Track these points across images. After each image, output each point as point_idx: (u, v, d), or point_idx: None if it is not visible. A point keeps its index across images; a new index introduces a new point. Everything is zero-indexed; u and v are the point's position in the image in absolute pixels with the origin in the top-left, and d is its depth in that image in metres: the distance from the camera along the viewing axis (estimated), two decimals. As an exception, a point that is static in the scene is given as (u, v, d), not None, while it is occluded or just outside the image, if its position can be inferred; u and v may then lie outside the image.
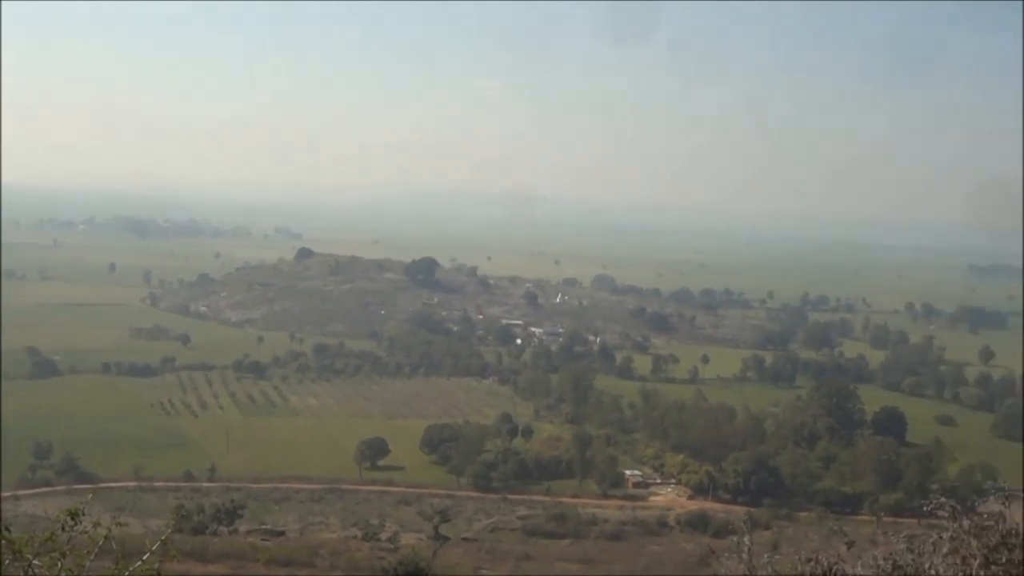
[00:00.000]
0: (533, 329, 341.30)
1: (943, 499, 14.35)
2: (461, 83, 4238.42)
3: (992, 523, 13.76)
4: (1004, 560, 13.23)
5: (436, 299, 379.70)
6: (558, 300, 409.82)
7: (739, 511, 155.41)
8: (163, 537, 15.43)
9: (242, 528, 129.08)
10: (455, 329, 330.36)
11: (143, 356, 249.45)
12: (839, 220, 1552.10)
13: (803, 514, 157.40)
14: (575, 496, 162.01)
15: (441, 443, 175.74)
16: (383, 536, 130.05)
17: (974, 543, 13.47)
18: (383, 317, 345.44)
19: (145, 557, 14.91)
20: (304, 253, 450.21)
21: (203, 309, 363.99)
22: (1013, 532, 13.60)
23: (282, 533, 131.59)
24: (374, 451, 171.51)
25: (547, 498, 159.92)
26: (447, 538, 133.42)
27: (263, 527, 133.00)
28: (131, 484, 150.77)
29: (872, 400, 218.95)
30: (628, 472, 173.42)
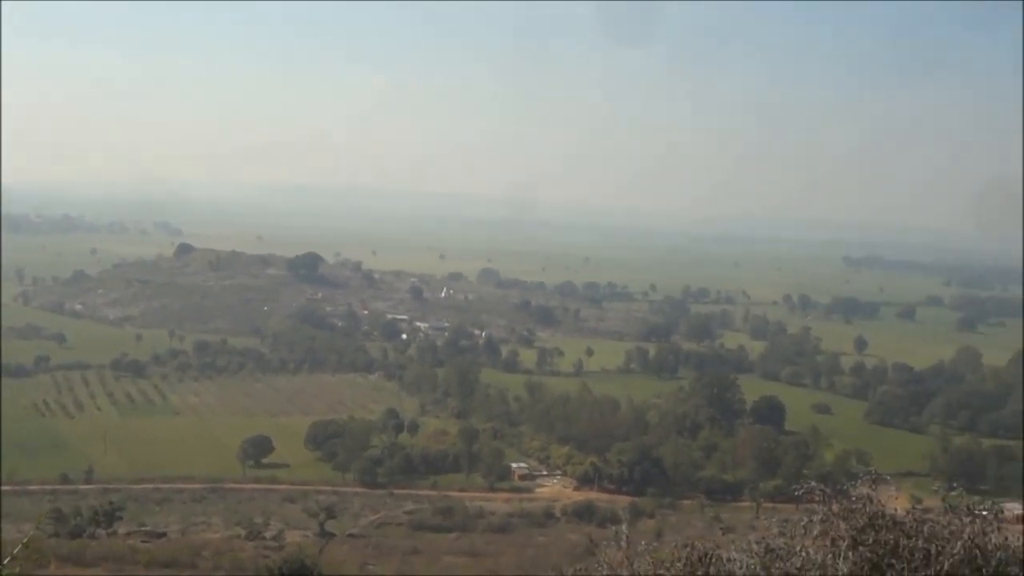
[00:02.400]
0: (419, 324, 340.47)
1: (814, 484, 14.77)
2: (347, 80, 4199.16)
3: (860, 506, 14.20)
4: (871, 541, 13.65)
5: (320, 294, 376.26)
6: (443, 294, 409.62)
7: (623, 501, 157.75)
8: (25, 539, 14.97)
9: (121, 530, 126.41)
10: (340, 324, 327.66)
11: (16, 356, 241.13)
12: (741, 217, 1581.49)
13: (686, 502, 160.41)
14: (462, 490, 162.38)
15: (326, 439, 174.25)
16: (268, 535, 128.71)
17: (843, 525, 13.88)
18: (266, 313, 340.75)
19: (6, 561, 14.43)
20: (184, 249, 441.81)
21: (79, 307, 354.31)
22: (880, 514, 14.05)
23: (163, 534, 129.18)
24: (258, 449, 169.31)
25: (434, 492, 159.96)
26: (333, 535, 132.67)
27: (143, 528, 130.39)
28: (5, 488, 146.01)
29: (752, 390, 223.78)
30: (514, 465, 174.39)
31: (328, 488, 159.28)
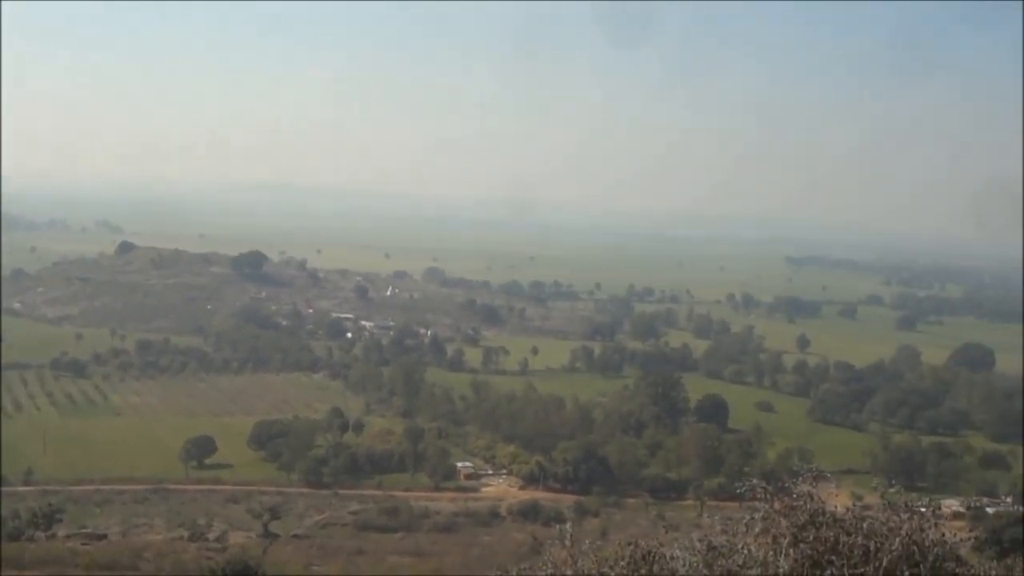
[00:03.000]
0: (364, 322, 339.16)
1: (755, 481, 14.93)
2: (292, 75, 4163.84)
3: (801, 503, 14.38)
4: (812, 538, 13.83)
5: (264, 293, 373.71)
6: (389, 293, 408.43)
7: (569, 500, 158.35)
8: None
9: (61, 533, 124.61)
10: (284, 323, 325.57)
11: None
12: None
13: (631, 501, 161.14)
14: (407, 489, 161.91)
15: (270, 439, 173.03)
16: (211, 536, 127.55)
17: (784, 523, 14.04)
18: (209, 312, 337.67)
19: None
20: (125, 247, 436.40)
21: (17, 306, 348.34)
22: (820, 511, 14.24)
23: (104, 536, 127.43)
24: (201, 449, 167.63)
25: (379, 492, 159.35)
26: (277, 535, 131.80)
27: (83, 531, 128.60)
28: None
29: (696, 388, 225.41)
30: (460, 464, 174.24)
31: (272, 488, 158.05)
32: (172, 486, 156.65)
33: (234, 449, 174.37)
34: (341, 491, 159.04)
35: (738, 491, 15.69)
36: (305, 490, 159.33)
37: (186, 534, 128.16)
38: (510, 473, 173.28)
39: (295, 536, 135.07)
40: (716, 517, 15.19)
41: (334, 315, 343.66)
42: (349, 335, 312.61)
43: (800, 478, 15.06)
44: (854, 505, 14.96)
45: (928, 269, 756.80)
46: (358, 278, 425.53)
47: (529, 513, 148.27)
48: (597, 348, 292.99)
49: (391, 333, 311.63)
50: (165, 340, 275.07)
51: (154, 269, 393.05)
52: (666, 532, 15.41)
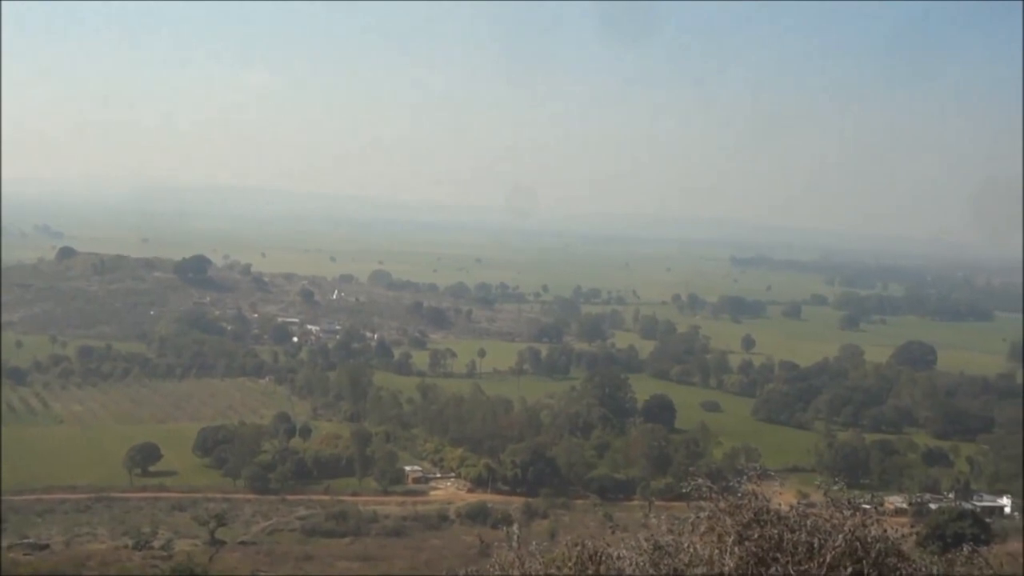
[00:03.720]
0: (310, 327, 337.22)
1: (701, 481, 15.01)
2: (227, 77, 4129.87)
3: (746, 501, 14.48)
4: (756, 536, 13.93)
5: (208, 298, 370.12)
6: (335, 297, 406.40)
7: (517, 501, 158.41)
8: None
9: (2, 543, 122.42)
10: (229, 328, 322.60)
11: None
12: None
13: (579, 502, 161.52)
14: (355, 494, 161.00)
15: (216, 445, 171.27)
16: (156, 544, 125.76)
17: (729, 521, 14.13)
18: (153, 318, 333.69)
19: None
20: (66, 252, 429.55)
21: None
22: (765, 509, 14.34)
23: (46, 546, 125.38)
24: (145, 456, 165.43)
25: (327, 497, 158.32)
26: (224, 542, 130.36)
27: (25, 541, 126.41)
28: None
29: (643, 389, 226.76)
30: (408, 468, 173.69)
31: (218, 495, 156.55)
32: (116, 494, 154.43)
33: (179, 456, 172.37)
34: (288, 497, 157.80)
35: (684, 491, 15.75)
36: (252, 496, 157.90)
37: (130, 543, 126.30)
38: (458, 476, 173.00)
39: (242, 543, 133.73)
40: (662, 516, 15.26)
41: (280, 319, 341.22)
42: (295, 339, 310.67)
43: (745, 477, 15.17)
44: (798, 503, 15.08)
45: (871, 269, 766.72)
46: (304, 282, 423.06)
47: (478, 516, 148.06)
48: (544, 350, 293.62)
49: (337, 337, 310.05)
50: (107, 346, 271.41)
51: (95, 275, 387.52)
52: (613, 532, 15.46)
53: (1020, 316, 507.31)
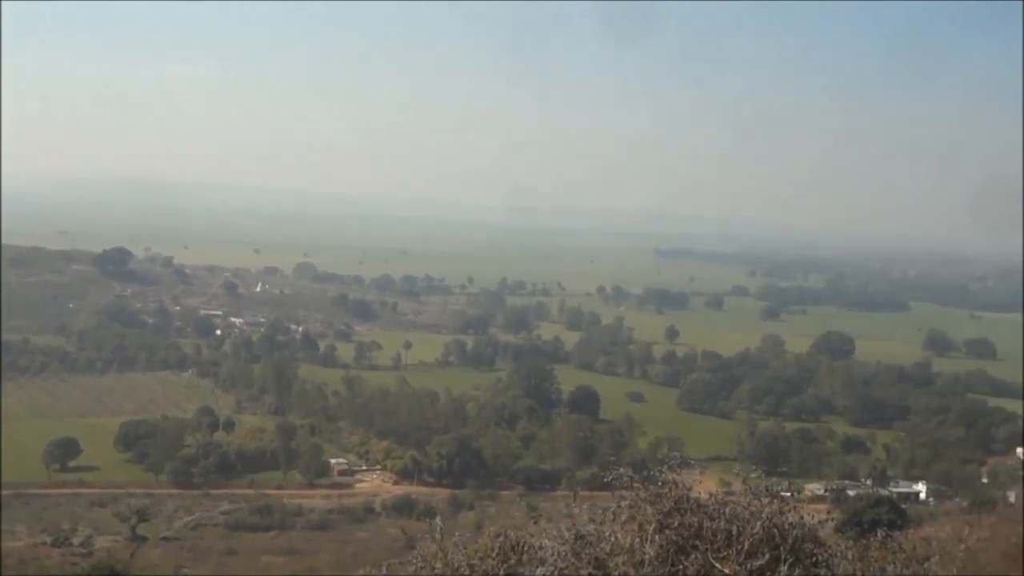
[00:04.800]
0: (233, 319, 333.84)
1: (622, 470, 15.19)
2: (154, 68, 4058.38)
3: (666, 490, 14.68)
4: (676, 524, 14.14)
5: (129, 291, 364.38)
6: (259, 289, 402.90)
7: (443, 493, 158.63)
8: None
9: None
10: (151, 321, 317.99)
11: None
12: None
13: (505, 493, 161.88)
14: (280, 487, 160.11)
15: (137, 440, 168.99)
16: (75, 541, 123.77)
17: (650, 510, 14.32)
18: (72, 311, 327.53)
19: None
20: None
21: None
22: (685, 498, 14.56)
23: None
24: (64, 452, 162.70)
25: (251, 491, 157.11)
26: (145, 538, 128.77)
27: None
28: None
29: (568, 380, 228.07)
30: (334, 460, 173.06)
31: (140, 490, 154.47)
32: (34, 491, 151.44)
33: (100, 451, 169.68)
34: (212, 491, 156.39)
35: (606, 480, 15.94)
36: (174, 491, 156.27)
37: (49, 540, 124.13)
38: (384, 468, 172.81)
39: (164, 538, 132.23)
40: (584, 506, 15.41)
41: (202, 312, 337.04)
42: (218, 332, 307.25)
43: (666, 466, 15.37)
44: (717, 491, 15.33)
45: (792, 260, 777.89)
46: (227, 274, 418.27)
47: (403, 508, 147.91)
48: (470, 342, 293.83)
49: (262, 329, 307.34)
50: (24, 340, 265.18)
51: (11, 268, 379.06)
52: (535, 522, 15.58)
53: (935, 307, 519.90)
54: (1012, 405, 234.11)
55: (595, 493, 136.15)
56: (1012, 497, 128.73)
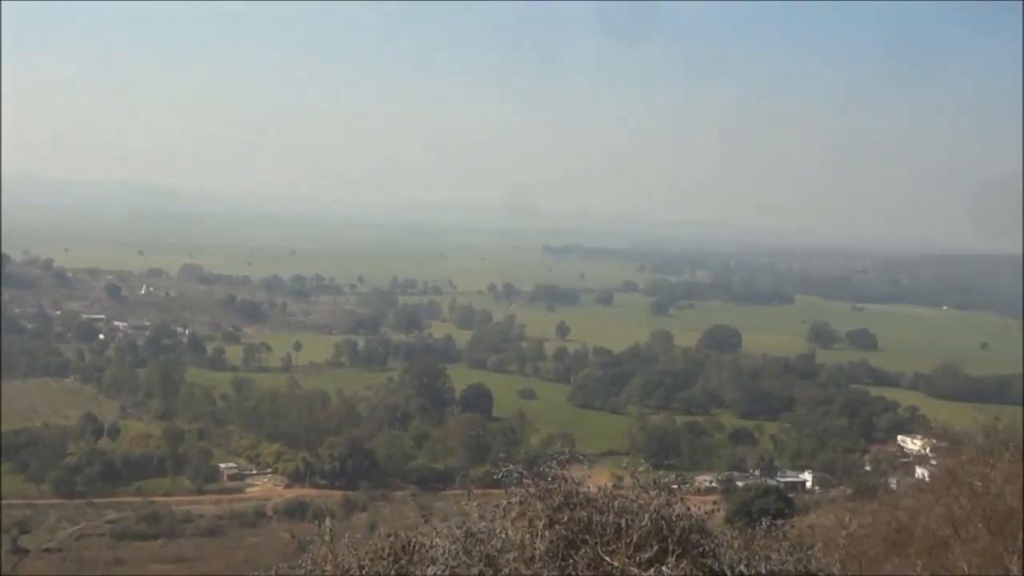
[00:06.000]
0: (117, 323, 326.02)
1: (512, 467, 15.23)
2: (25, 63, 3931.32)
3: (556, 486, 14.77)
4: (566, 519, 14.24)
5: (7, 295, 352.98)
6: (143, 292, 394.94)
7: (336, 495, 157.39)
8: None
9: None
10: (29, 327, 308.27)
11: None
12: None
13: (398, 493, 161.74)
14: (168, 494, 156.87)
15: (18, 449, 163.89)
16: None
17: (539, 505, 14.40)
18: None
19: None
20: None
21: None
22: (574, 493, 14.67)
23: None
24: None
25: (138, 499, 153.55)
26: (27, 551, 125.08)
27: None
28: None
29: (460, 378, 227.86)
30: (223, 465, 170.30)
31: (21, 501, 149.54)
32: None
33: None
34: (96, 500, 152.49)
35: (495, 477, 15.97)
36: (57, 501, 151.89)
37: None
38: (275, 472, 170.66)
39: (47, 550, 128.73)
40: (475, 504, 15.43)
41: (84, 316, 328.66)
42: (101, 336, 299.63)
43: (555, 462, 15.46)
44: (607, 485, 15.47)
45: (679, 256, 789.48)
46: (110, 277, 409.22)
47: (295, 511, 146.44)
48: (361, 342, 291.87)
49: (147, 333, 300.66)
50: None
51: None
52: (426, 521, 15.55)
53: (819, 299, 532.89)
54: (892, 394, 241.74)
55: (488, 491, 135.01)
56: (893, 483, 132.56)
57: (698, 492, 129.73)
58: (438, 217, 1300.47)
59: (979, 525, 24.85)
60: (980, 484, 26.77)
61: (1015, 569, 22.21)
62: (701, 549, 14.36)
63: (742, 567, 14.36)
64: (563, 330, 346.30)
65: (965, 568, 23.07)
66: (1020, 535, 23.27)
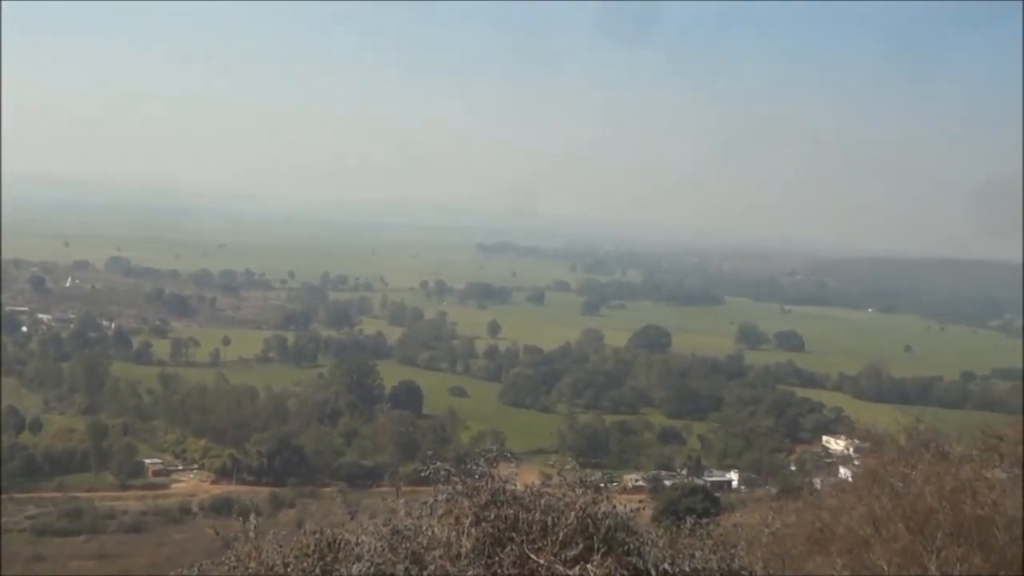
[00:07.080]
0: (41, 316, 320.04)
1: (439, 464, 15.24)
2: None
3: (483, 483, 14.80)
4: (493, 516, 14.27)
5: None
6: (68, 284, 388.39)
7: (264, 492, 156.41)
8: None
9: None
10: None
11: None
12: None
13: (327, 490, 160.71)
14: (91, 490, 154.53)
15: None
16: None
17: (466, 503, 14.42)
18: None
19: None
20: None
21: None
22: (501, 490, 14.71)
23: None
24: None
25: (59, 494, 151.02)
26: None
27: None
28: None
29: (391, 375, 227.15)
30: (148, 461, 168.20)
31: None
32: None
33: None
34: (16, 495, 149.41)
35: (422, 475, 15.99)
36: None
37: None
38: (202, 468, 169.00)
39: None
40: (402, 501, 15.41)
41: (7, 308, 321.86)
42: (24, 329, 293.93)
43: (483, 460, 15.49)
44: (534, 483, 15.54)
45: (611, 255, 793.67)
46: (34, 268, 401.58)
47: (222, 508, 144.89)
48: (291, 337, 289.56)
49: (71, 326, 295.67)
50: None
51: None
52: (352, 518, 15.51)
53: (747, 301, 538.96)
54: (818, 395, 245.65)
55: (417, 488, 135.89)
56: (817, 483, 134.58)
57: (625, 491, 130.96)
58: (373, 215, 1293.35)
59: (899, 525, 25.30)
60: (901, 484, 27.25)
61: (933, 568, 22.67)
62: (626, 547, 14.47)
63: (666, 565, 14.50)
64: (494, 328, 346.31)
65: (885, 567, 23.50)
66: (938, 535, 23.75)
